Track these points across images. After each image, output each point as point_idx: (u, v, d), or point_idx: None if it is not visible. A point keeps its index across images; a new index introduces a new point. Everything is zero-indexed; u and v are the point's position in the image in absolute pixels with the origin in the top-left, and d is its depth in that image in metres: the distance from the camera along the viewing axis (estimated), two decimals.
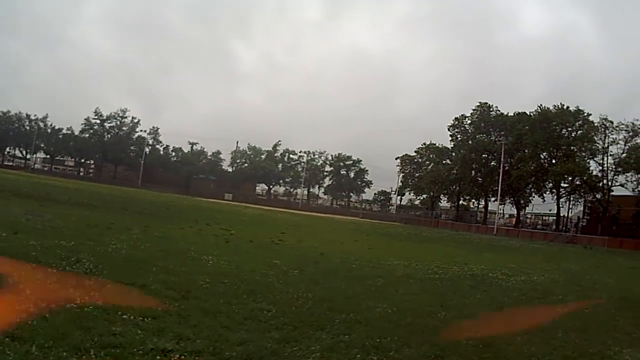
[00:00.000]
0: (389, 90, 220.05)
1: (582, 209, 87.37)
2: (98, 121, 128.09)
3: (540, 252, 40.12)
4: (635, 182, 71.90)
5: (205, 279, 12.13)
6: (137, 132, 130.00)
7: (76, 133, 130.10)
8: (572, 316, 12.97)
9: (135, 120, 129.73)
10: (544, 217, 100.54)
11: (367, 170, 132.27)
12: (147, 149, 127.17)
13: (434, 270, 19.99)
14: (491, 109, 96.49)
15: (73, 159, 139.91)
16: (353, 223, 68.97)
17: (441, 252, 31.16)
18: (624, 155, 72.62)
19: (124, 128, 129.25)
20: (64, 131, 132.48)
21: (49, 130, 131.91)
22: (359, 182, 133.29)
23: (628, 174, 72.32)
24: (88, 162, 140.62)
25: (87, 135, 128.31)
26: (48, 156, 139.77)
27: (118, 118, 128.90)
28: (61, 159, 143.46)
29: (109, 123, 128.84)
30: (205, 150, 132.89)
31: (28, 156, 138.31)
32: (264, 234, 28.77)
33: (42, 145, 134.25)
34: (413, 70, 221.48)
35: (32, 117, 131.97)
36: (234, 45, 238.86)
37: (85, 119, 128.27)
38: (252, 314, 9.49)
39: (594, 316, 13.29)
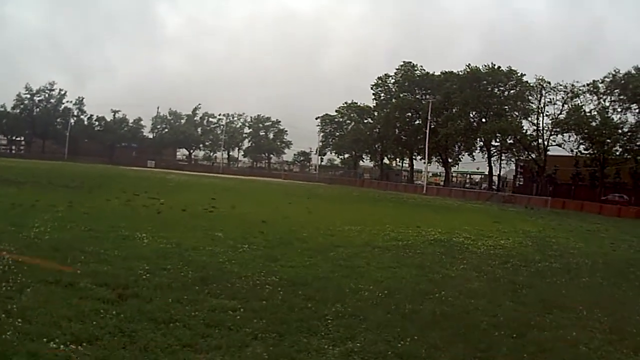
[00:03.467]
0: (313, 50, 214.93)
1: (514, 168, 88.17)
2: (28, 96, 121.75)
3: (483, 213, 39.22)
4: (576, 143, 72.65)
5: (143, 266, 9.78)
6: (63, 103, 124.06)
7: (9, 110, 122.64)
8: (582, 289, 11.78)
9: (62, 93, 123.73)
10: (470, 176, 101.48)
11: (286, 131, 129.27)
12: (72, 120, 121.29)
13: (391, 236, 18.34)
14: (416, 69, 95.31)
15: (5, 137, 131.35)
16: (278, 184, 66.80)
17: (384, 214, 29.58)
18: (563, 115, 72.36)
19: (51, 101, 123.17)
20: None
21: None
22: (279, 143, 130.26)
23: (566, 135, 72.89)
24: (19, 139, 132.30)
25: (18, 111, 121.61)
26: None
27: (47, 91, 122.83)
28: None
29: (38, 97, 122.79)
30: (127, 117, 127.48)
31: None
32: (194, 201, 26.55)
33: None
34: (341, 28, 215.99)
35: None
36: (159, 9, 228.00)
37: (17, 95, 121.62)
38: (215, 318, 7.14)
39: (600, 287, 12.28)
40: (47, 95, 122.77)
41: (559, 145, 73.15)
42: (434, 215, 31.61)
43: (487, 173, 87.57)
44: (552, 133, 73.51)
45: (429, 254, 14.77)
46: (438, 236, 19.38)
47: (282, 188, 55.95)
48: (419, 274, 11.63)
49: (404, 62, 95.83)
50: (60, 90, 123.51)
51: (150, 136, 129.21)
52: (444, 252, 15.30)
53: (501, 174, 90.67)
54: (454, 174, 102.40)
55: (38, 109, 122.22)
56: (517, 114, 78.71)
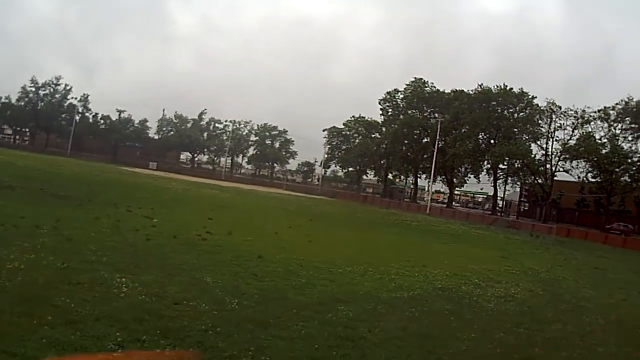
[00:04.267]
0: (325, 59, 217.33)
1: (518, 191, 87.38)
2: (33, 89, 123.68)
3: (489, 244, 38.22)
4: (585, 171, 72.04)
5: (115, 335, 8.43)
6: (68, 99, 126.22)
7: (14, 101, 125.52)
8: None
9: (68, 88, 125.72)
10: (474, 196, 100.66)
11: (292, 141, 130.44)
12: (77, 117, 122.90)
13: (397, 283, 17.01)
14: (426, 85, 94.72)
15: (10, 128, 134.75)
16: (279, 199, 65.44)
17: (388, 246, 28.52)
18: (574, 142, 71.94)
19: (56, 96, 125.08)
20: (3, 100, 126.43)
21: None
22: (284, 153, 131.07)
23: (575, 162, 71.78)
24: (24, 130, 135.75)
25: (22, 103, 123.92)
26: None
27: (52, 85, 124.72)
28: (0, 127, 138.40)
29: (44, 91, 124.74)
30: (132, 117, 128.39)
31: None
32: (189, 222, 25.33)
33: None
34: (354, 38, 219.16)
35: None
36: (172, 6, 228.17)
37: (22, 87, 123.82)
38: None
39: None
40: (52, 89, 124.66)
41: (567, 171, 72.44)
42: (440, 247, 30.81)
43: (491, 194, 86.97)
44: (561, 159, 72.70)
45: (437, 314, 13.55)
46: (445, 282, 18.25)
47: (283, 204, 54.88)
48: (427, 348, 10.38)
49: (414, 78, 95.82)
50: (66, 85, 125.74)
51: (156, 137, 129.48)
52: (453, 311, 14.07)
53: (505, 196, 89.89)
54: (456, 192, 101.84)
55: (42, 103, 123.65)
56: (526, 137, 78.00)
